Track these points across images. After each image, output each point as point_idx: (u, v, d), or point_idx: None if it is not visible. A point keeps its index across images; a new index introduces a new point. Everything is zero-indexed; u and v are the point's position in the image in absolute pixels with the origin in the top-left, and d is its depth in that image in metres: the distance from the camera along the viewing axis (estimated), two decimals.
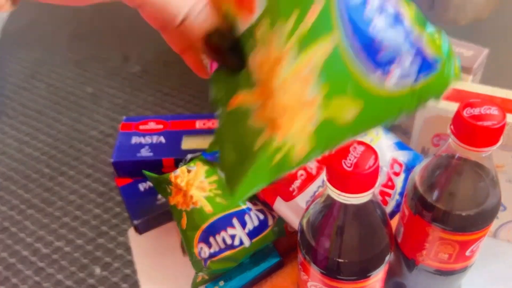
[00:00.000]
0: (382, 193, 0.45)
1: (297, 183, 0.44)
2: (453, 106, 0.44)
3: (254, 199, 0.45)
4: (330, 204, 0.32)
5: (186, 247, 0.45)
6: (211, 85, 0.25)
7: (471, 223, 0.35)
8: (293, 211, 0.44)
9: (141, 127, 0.57)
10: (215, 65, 0.25)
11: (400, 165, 0.45)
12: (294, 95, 0.21)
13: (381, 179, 0.44)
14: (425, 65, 0.24)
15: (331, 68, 0.21)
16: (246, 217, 0.44)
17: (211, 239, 0.43)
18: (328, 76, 0.21)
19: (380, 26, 0.22)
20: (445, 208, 0.35)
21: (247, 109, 0.22)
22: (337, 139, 0.24)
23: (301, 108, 0.21)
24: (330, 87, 0.21)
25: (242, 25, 0.22)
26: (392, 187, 0.44)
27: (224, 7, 0.22)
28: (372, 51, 0.22)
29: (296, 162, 0.23)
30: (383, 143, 0.45)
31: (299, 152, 0.22)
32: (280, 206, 0.44)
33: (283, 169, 0.23)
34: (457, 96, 0.45)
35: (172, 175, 0.45)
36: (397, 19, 0.23)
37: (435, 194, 0.35)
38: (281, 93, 0.21)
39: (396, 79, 0.23)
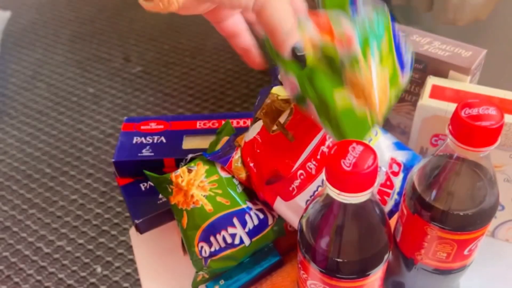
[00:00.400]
0: (381, 193, 0.45)
1: (296, 182, 0.44)
2: (452, 106, 0.44)
3: (254, 199, 0.46)
4: (329, 204, 0.32)
5: (187, 246, 0.45)
6: (301, 88, 0.39)
7: (469, 222, 0.35)
8: (293, 211, 0.44)
9: (142, 127, 0.58)
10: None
11: (399, 165, 0.45)
12: (381, 92, 0.38)
13: (380, 178, 0.44)
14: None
15: (393, 80, 0.39)
16: (246, 217, 0.44)
17: (212, 238, 0.43)
18: (392, 83, 0.39)
19: (407, 57, 0.41)
20: (444, 208, 0.35)
21: (350, 99, 0.37)
22: (386, 115, 0.40)
23: (383, 98, 0.38)
24: (394, 89, 0.39)
25: (338, 52, 0.36)
26: (391, 186, 0.45)
27: (323, 38, 0.36)
28: (403, 66, 0.41)
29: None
30: (382, 143, 0.46)
31: (380, 121, 0.39)
32: (280, 205, 0.44)
33: (370, 130, 0.39)
34: (456, 96, 0.46)
35: (172, 175, 0.45)
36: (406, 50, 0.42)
37: (434, 193, 0.35)
38: (374, 93, 0.37)
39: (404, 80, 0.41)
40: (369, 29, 0.37)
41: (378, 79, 0.37)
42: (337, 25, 0.37)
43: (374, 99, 0.37)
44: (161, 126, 0.58)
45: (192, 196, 0.44)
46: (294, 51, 0.36)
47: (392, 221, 0.42)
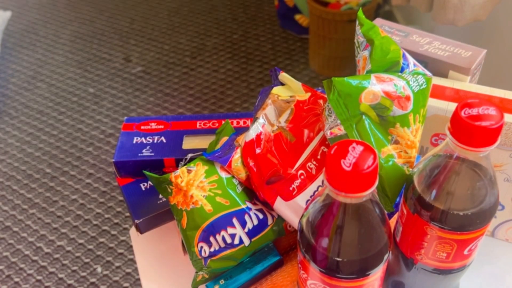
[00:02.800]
0: None
1: (297, 182, 0.44)
2: (452, 106, 0.44)
3: (253, 199, 0.46)
4: (329, 203, 0.32)
5: (187, 246, 0.45)
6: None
7: (469, 222, 0.35)
8: (293, 211, 0.44)
9: (142, 127, 0.58)
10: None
11: None
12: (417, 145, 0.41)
13: None
14: None
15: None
16: (246, 217, 0.44)
17: (211, 239, 0.43)
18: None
19: None
20: (443, 208, 0.35)
21: (393, 155, 0.40)
22: None
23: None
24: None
25: (395, 111, 0.40)
26: None
27: (383, 101, 0.39)
28: None
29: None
30: None
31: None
32: (281, 205, 0.44)
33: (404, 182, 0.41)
34: (456, 96, 0.46)
35: (172, 175, 0.45)
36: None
37: (433, 193, 0.35)
38: (415, 153, 0.41)
39: None
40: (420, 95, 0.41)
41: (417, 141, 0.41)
42: (397, 81, 0.40)
43: (414, 158, 0.40)
44: (161, 126, 0.58)
45: (192, 196, 0.44)
46: None
47: (392, 221, 0.43)
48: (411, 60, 0.43)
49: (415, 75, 0.41)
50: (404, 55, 0.42)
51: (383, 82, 0.39)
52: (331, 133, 0.40)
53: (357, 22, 0.44)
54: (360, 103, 0.39)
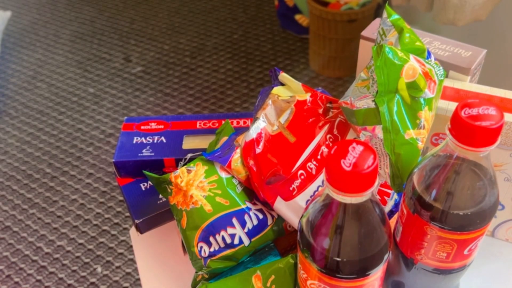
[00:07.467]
0: (381, 193, 0.45)
1: (297, 182, 0.44)
2: (452, 105, 0.44)
3: (253, 199, 0.46)
4: (329, 203, 0.32)
5: (186, 246, 0.45)
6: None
7: (469, 222, 0.35)
8: (293, 211, 0.44)
9: (142, 127, 0.58)
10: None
11: None
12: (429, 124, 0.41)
13: (380, 179, 0.44)
14: None
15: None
16: (246, 217, 0.44)
17: (211, 239, 0.43)
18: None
19: None
20: (443, 208, 0.35)
21: (417, 139, 0.40)
22: None
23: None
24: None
25: (426, 93, 0.40)
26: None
27: (419, 80, 0.40)
28: None
29: None
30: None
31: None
32: (280, 205, 0.44)
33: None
34: (456, 95, 0.46)
35: (172, 175, 0.45)
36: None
37: (433, 193, 0.35)
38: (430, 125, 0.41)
39: None
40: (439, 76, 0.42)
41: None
42: (428, 65, 0.41)
43: (428, 132, 0.41)
44: (161, 126, 0.58)
45: (191, 196, 0.44)
46: None
47: (392, 221, 0.43)
48: (431, 53, 0.45)
49: (437, 65, 0.43)
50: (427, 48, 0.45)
51: (419, 62, 0.41)
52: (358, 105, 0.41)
53: (384, 13, 0.46)
54: (401, 76, 0.40)
